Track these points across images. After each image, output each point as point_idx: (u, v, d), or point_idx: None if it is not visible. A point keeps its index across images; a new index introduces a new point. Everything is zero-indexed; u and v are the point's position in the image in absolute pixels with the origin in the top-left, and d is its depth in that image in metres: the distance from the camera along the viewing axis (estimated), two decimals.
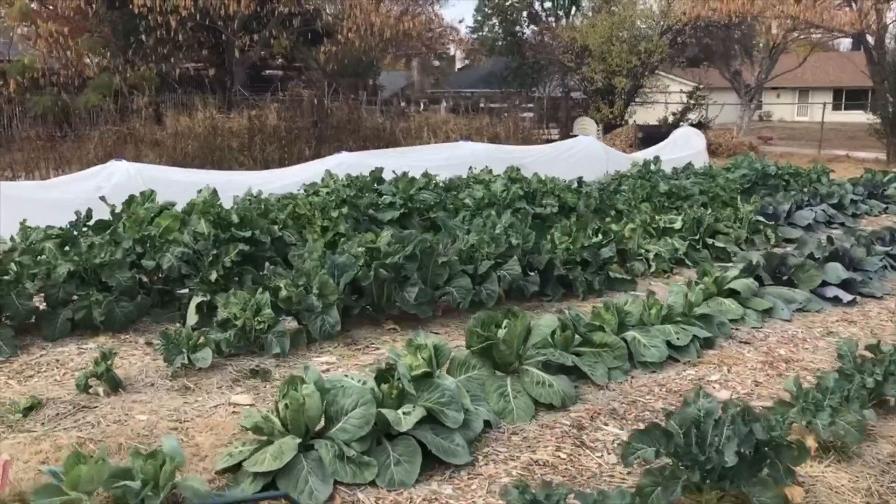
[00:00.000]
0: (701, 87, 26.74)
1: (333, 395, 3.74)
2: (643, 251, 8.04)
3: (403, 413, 3.70)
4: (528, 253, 6.80)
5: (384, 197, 8.29)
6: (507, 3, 32.33)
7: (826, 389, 3.96)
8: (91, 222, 7.59)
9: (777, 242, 9.72)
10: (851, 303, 6.81)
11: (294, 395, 3.62)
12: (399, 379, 3.85)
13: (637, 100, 25.72)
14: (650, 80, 26.01)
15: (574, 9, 32.60)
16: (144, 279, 6.47)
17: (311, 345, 5.53)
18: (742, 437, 3.07)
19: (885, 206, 12.43)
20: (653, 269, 7.95)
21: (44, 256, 6.21)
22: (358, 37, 20.18)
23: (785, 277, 6.80)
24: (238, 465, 3.61)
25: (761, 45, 26.08)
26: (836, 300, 6.81)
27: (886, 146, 21.04)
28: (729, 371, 5.12)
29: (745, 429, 3.12)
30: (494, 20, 35.99)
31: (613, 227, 8.33)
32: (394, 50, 26.18)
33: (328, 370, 5.11)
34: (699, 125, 22.63)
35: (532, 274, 6.72)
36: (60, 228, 7.32)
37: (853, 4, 18.87)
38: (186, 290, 6.23)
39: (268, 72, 27.05)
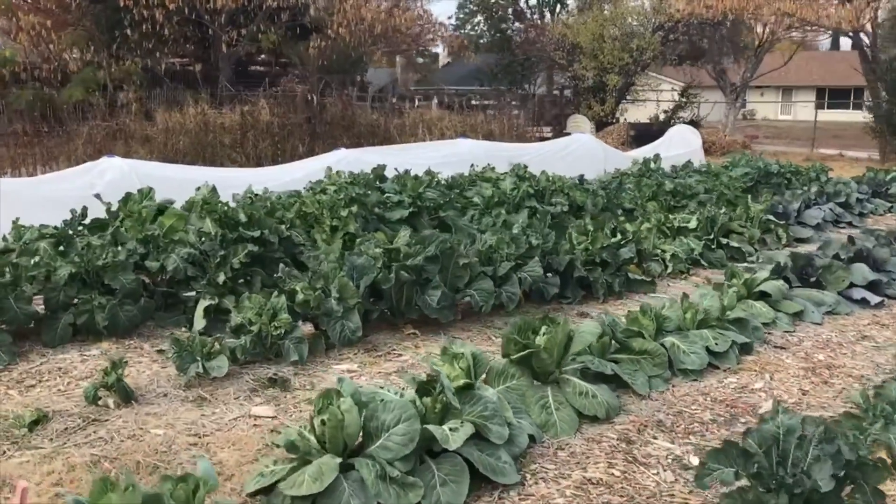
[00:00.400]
0: (693, 84, 26.61)
1: (373, 410, 3.46)
2: (659, 251, 7.82)
3: (450, 429, 3.43)
4: (546, 254, 6.55)
5: (392, 195, 8.00)
6: (493, 0, 32.07)
7: (894, 402, 3.73)
8: (86, 221, 7.29)
9: (788, 242, 9.54)
10: (879, 305, 6.61)
11: (333, 410, 3.34)
12: (442, 392, 3.57)
13: (628, 97, 25.54)
14: (641, 78, 25.84)
15: (559, 7, 32.41)
16: (147, 281, 6.15)
17: (330, 351, 5.24)
18: (832, 458, 2.82)
19: (889, 205, 12.31)
20: (669, 270, 7.73)
21: (38, 257, 5.87)
22: (348, 32, 19.82)
23: (812, 279, 6.59)
24: (271, 487, 3.33)
25: (755, 42, 25.94)
26: (863, 302, 6.61)
27: (880, 145, 21.01)
28: (772, 379, 4.89)
29: (831, 448, 2.88)
30: (479, 17, 35.75)
31: (628, 226, 8.09)
32: (383, 46, 25.81)
33: (351, 378, 4.82)
34: (692, 123, 22.46)
35: (551, 275, 6.47)
36: (55, 227, 6.99)
37: (847, 4, 18.75)
38: (192, 293, 5.91)
39: (254, 68, 26.61)
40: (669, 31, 23.44)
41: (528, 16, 33.53)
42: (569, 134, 21.91)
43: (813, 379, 4.91)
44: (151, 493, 2.87)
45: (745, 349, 5.23)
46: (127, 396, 4.35)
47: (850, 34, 20.88)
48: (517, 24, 32.75)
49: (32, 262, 5.59)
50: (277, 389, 4.64)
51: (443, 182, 9.60)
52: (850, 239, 7.73)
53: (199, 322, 5.71)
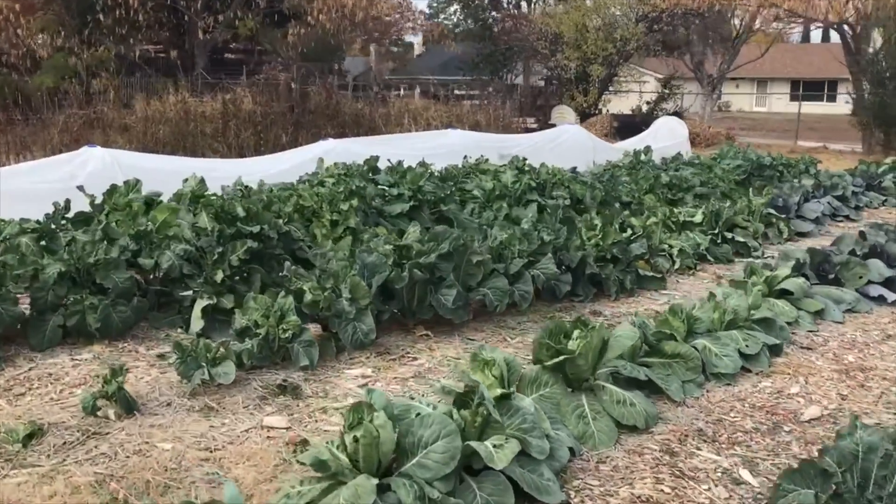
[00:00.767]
0: (675, 76, 26.48)
1: (408, 425, 3.18)
2: (666, 246, 7.60)
3: (494, 446, 3.16)
4: (557, 250, 6.29)
5: (391, 188, 7.70)
6: None
7: None
8: (69, 214, 6.93)
9: (790, 236, 9.37)
10: None
11: (367, 427, 3.05)
12: (482, 404, 3.30)
13: (611, 89, 25.35)
14: (624, 69, 25.65)
15: None
16: (139, 279, 5.80)
17: (340, 355, 4.94)
18: None
19: (883, 198, 12.22)
20: (677, 266, 7.52)
21: (24, 255, 5.50)
22: (328, 19, 19.39)
23: (831, 276, 6.40)
24: None
25: (733, 34, 25.87)
26: (880, 299, 6.43)
27: (863, 137, 21.01)
28: (807, 382, 4.67)
29: None
30: (456, 6, 35.33)
31: (634, 221, 7.87)
32: (362, 34, 25.38)
33: (366, 384, 4.53)
34: (676, 115, 22.32)
35: (562, 272, 6.21)
36: (38, 222, 6.64)
37: None
38: (188, 292, 5.58)
39: (229, 55, 26.08)
40: (653, 21, 23.25)
41: (505, 5, 33.20)
42: (553, 125, 21.69)
43: (849, 382, 4.70)
44: None
45: (775, 351, 5.02)
46: (129, 407, 4.03)
47: (835, 26, 20.86)
48: (494, 13, 32.41)
49: (18, 259, 5.22)
50: (288, 397, 4.34)
51: (436, 174, 9.31)
52: (862, 234, 7.56)
53: (197, 323, 5.40)
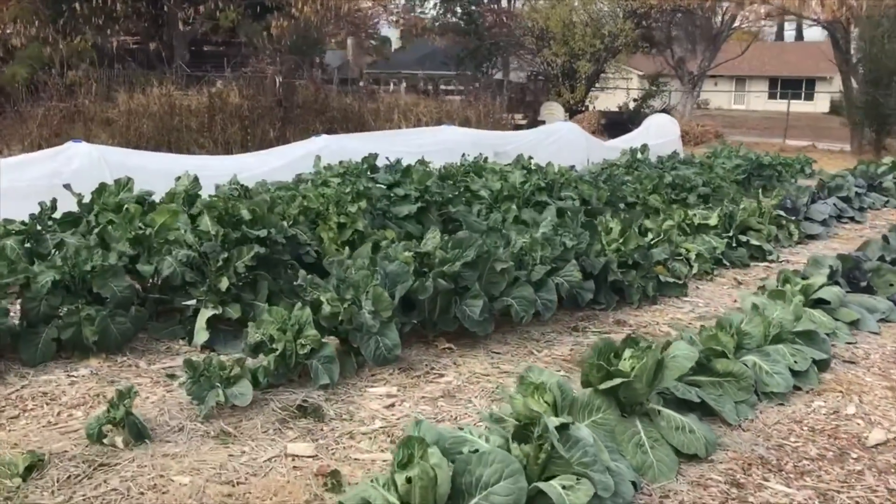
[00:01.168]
0: (662, 73, 26.29)
1: (464, 463, 2.84)
2: (683, 251, 7.31)
3: (563, 487, 2.83)
4: (579, 256, 5.97)
5: (395, 189, 7.34)
6: None
7: None
8: (56, 215, 6.51)
9: (800, 238, 9.14)
10: None
11: (423, 466, 2.71)
12: (543, 437, 2.97)
13: (597, 85, 25.09)
14: (611, 66, 25.39)
15: None
16: (137, 287, 5.39)
17: (361, 371, 4.59)
18: None
19: (885, 199, 12.05)
20: (695, 271, 7.24)
21: (13, 262, 5.08)
22: (313, 11, 18.91)
23: (863, 284, 6.14)
24: None
25: (715, 31, 25.68)
26: None
27: (851, 137, 20.92)
28: (861, 401, 4.39)
29: None
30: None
31: (648, 223, 7.58)
32: (345, 26, 24.90)
33: (392, 405, 4.19)
34: (664, 112, 22.11)
35: (585, 279, 5.90)
36: (22, 223, 6.21)
37: None
38: (191, 301, 5.19)
39: (209, 48, 25.45)
40: (642, 16, 23.01)
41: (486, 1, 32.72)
42: (543, 122, 21.40)
43: None
44: None
45: (821, 366, 4.73)
46: (139, 434, 3.65)
47: (825, 25, 20.75)
48: (473, 7, 31.91)
49: (7, 266, 4.80)
50: (310, 420, 3.99)
51: (434, 172, 8.95)
52: (885, 238, 7.33)
53: (201, 335, 5.02)
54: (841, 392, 4.50)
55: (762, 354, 4.43)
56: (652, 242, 6.52)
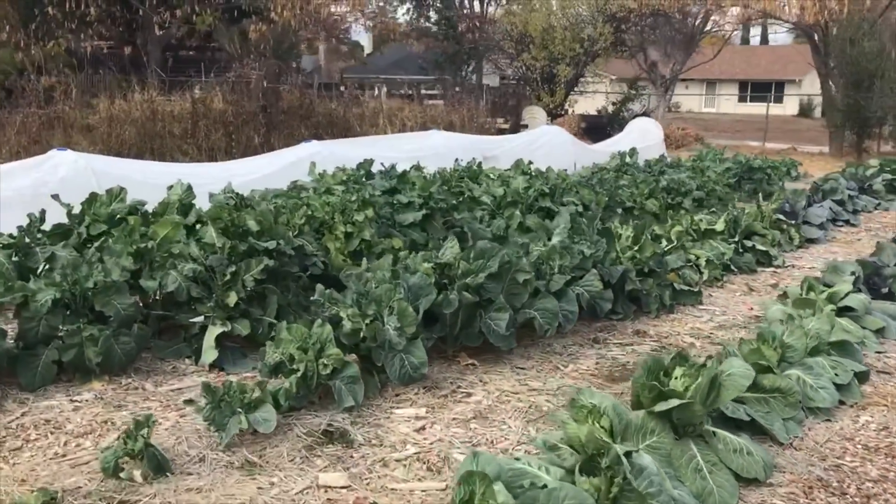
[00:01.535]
0: (640, 77, 26.28)
1: (532, 500, 2.62)
2: (693, 257, 7.15)
3: None
4: (595, 264, 5.78)
5: (397, 195, 7.11)
6: None
7: None
8: (45, 226, 6.19)
9: (801, 243, 9.04)
10: None
11: None
12: (612, 468, 2.75)
13: (577, 89, 25.01)
14: (590, 69, 25.32)
15: None
16: (139, 304, 5.10)
17: (384, 390, 4.35)
18: None
19: (876, 201, 12.02)
20: (705, 277, 7.08)
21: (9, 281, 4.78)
22: (293, 15, 18.58)
23: (884, 290, 6.01)
24: None
25: (698, 36, 25.74)
26: None
27: (830, 139, 21.01)
28: None
29: None
30: (408, 4, 34.53)
31: (656, 229, 7.42)
32: (322, 30, 24.58)
33: (423, 427, 3.96)
34: (645, 115, 22.07)
35: (605, 289, 5.71)
36: (10, 235, 5.90)
37: None
38: (198, 318, 4.92)
39: (184, 52, 25.00)
40: (621, 20, 22.96)
41: (457, 3, 32.44)
42: (526, 126, 21.25)
43: None
44: None
45: (861, 378, 4.58)
46: (159, 466, 3.38)
47: (805, 28, 20.82)
48: (451, 12, 31.66)
49: (2, 284, 4.50)
50: (338, 446, 3.74)
51: (438, 178, 8.74)
52: None
53: (210, 354, 4.76)
54: (885, 406, 4.34)
55: (804, 368, 4.25)
56: (667, 249, 6.34)
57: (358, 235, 6.01)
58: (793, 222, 9.17)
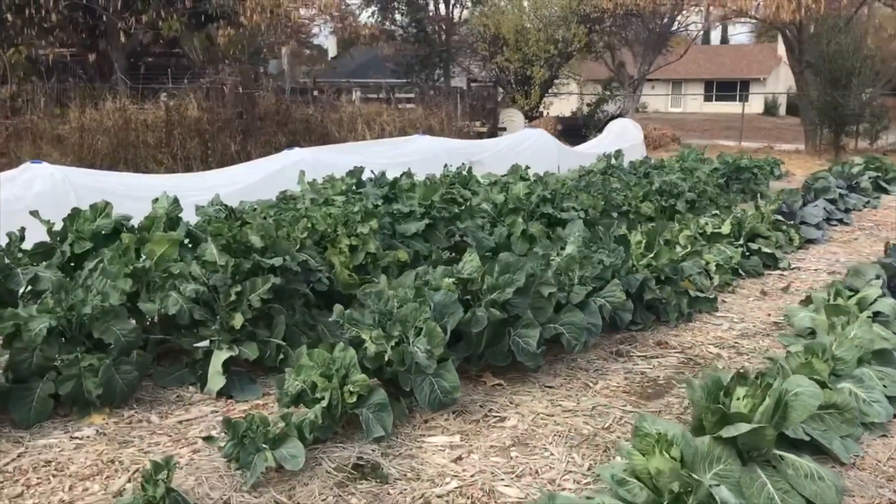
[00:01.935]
0: (613, 79, 26.21)
1: None
2: (703, 262, 6.95)
3: None
4: (615, 273, 5.54)
5: (396, 205, 6.82)
6: None
7: None
8: (25, 245, 5.80)
9: (800, 244, 8.91)
10: None
11: None
12: None
13: (551, 91, 24.87)
14: (564, 71, 25.21)
15: None
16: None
17: (412, 417, 4.06)
18: None
19: (865, 199, 11.98)
20: (716, 283, 6.88)
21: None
22: (262, 19, 18.17)
23: None
24: None
25: (693, 35, 25.72)
26: None
27: (806, 137, 21.07)
28: None
29: None
30: (374, 7, 34.17)
31: (667, 234, 7.19)
32: (289, 35, 24.15)
33: (459, 457, 3.67)
34: (620, 116, 21.99)
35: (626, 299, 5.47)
36: None
37: None
38: (203, 343, 4.59)
39: (150, 59, 24.39)
40: (595, 21, 22.86)
41: (423, 5, 32.09)
42: (504, 129, 21.06)
43: None
44: None
45: None
46: None
47: (781, 26, 20.88)
48: (417, 14, 31.34)
49: None
50: (372, 482, 3.44)
51: (438, 186, 8.44)
52: None
53: (217, 380, 4.43)
54: None
55: (855, 380, 4.05)
56: (682, 256, 6.12)
57: (363, 248, 5.72)
58: (791, 223, 9.04)
